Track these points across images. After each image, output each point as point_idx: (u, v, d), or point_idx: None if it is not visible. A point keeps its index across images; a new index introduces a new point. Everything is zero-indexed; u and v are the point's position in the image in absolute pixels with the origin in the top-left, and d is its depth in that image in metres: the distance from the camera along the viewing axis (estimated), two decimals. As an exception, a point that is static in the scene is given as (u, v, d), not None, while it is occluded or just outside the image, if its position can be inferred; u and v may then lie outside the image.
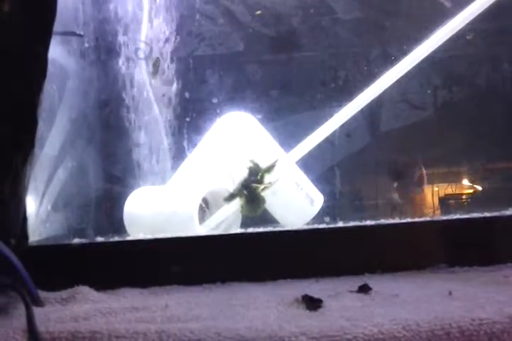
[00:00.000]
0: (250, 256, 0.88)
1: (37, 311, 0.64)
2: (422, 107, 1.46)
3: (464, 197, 1.54)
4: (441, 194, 1.53)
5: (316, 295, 0.69)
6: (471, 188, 1.53)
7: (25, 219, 0.86)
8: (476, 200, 1.51)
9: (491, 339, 0.57)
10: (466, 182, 1.54)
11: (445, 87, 1.44)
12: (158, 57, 1.06)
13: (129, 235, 1.08)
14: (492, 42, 1.40)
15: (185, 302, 0.72)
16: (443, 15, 1.19)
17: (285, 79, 1.44)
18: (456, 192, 1.54)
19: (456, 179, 1.53)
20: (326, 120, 1.20)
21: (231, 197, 1.10)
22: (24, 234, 0.87)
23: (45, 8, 0.75)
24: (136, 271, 0.87)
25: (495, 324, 0.57)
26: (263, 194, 1.10)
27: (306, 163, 1.21)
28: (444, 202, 1.52)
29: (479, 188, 1.52)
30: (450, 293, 0.70)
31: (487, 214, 0.95)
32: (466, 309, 0.61)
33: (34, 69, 0.75)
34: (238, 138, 1.14)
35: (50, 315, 0.65)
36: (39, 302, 0.72)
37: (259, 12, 1.22)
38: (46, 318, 0.64)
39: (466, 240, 0.91)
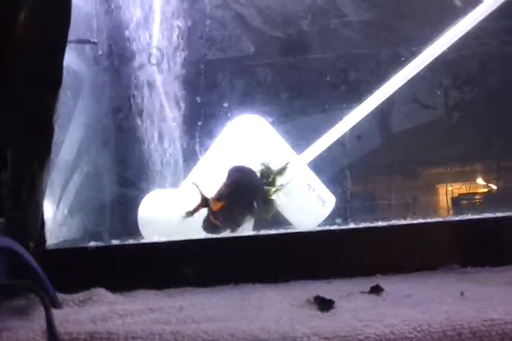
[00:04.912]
0: (263, 257, 0.89)
1: (55, 313, 0.65)
2: (434, 107, 1.45)
3: (477, 196, 1.53)
4: (455, 194, 1.52)
5: (328, 296, 0.69)
6: (485, 187, 1.52)
7: (42, 223, 0.88)
8: (489, 200, 1.50)
9: (503, 339, 0.57)
10: (479, 181, 1.53)
11: (456, 86, 1.44)
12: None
13: (143, 238, 1.10)
14: (503, 42, 1.39)
15: (199, 304, 0.73)
16: (453, 15, 1.19)
17: (296, 81, 1.45)
18: (470, 191, 1.53)
19: (469, 178, 1.52)
20: (337, 122, 1.20)
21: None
22: (42, 238, 0.89)
23: (60, 17, 0.77)
24: (151, 273, 0.88)
25: (507, 324, 0.57)
26: (275, 196, 1.11)
27: (318, 165, 1.22)
28: (457, 202, 1.51)
29: (494, 187, 1.51)
30: (462, 294, 0.70)
31: (499, 215, 0.95)
32: (478, 310, 0.61)
33: (49, 77, 0.77)
34: (250, 141, 1.15)
35: (68, 317, 0.67)
36: (57, 304, 0.73)
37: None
38: (64, 320, 0.65)
39: (478, 240, 0.90)
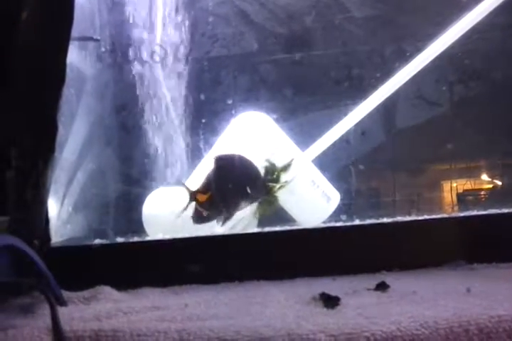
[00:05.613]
0: (267, 254, 0.89)
1: (60, 310, 0.65)
2: (438, 103, 1.45)
3: (482, 192, 1.53)
4: (459, 190, 1.52)
5: (333, 293, 0.69)
6: (490, 184, 1.52)
7: (47, 221, 0.88)
8: (494, 196, 1.49)
9: (510, 336, 0.57)
10: (484, 177, 1.52)
11: (461, 82, 1.43)
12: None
13: (148, 235, 1.10)
14: (509, 37, 1.38)
15: (204, 301, 0.73)
16: (458, 10, 1.18)
17: (300, 78, 1.44)
18: (475, 187, 1.52)
19: (473, 175, 1.51)
20: (341, 118, 1.20)
21: (248, 197, 1.11)
22: (47, 236, 0.89)
23: (63, 15, 0.76)
24: (156, 270, 0.89)
25: (514, 321, 0.57)
26: (279, 193, 1.11)
27: (322, 162, 1.21)
28: (462, 198, 1.51)
29: (498, 183, 1.50)
30: (468, 290, 0.70)
31: (505, 210, 0.94)
32: (484, 306, 0.61)
33: (53, 75, 0.77)
34: (254, 138, 1.15)
35: (74, 315, 0.67)
36: (62, 302, 0.74)
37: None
38: (70, 317, 0.65)
39: (484, 237, 0.90)
